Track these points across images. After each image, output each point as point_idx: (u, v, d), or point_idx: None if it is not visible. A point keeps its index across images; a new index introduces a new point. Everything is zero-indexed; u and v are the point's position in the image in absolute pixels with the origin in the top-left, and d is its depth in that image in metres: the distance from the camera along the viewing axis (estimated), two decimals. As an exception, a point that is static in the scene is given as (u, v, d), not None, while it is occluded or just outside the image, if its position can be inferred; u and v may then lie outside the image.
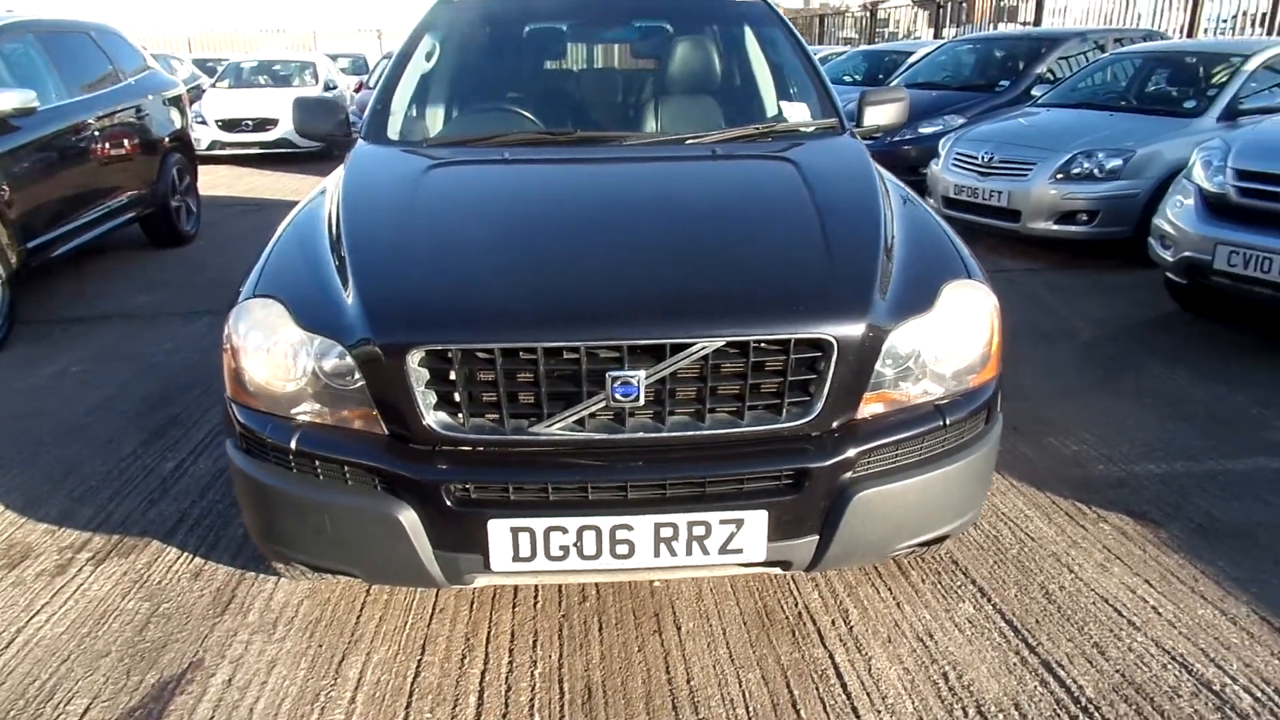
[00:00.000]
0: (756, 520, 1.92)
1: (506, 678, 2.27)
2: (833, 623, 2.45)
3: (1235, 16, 12.94)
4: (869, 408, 2.03)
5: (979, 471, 2.18)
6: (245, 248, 7.12)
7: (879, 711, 2.13)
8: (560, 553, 1.92)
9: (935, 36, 18.21)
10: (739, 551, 1.94)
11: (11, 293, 4.98)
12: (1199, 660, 2.28)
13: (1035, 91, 8.08)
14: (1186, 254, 4.53)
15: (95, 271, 6.45)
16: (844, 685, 2.22)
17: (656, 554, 1.93)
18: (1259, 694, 2.16)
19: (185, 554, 2.82)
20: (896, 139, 8.10)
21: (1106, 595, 2.55)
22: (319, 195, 2.72)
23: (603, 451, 1.94)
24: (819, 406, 1.95)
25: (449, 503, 1.91)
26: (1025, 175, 6.30)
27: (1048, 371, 4.24)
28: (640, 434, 1.93)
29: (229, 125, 12.29)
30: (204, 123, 11.96)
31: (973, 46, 10.02)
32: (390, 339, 1.90)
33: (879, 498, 1.98)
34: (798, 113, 3.28)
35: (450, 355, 1.88)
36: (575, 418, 1.91)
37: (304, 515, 2.02)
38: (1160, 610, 2.48)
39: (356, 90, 14.75)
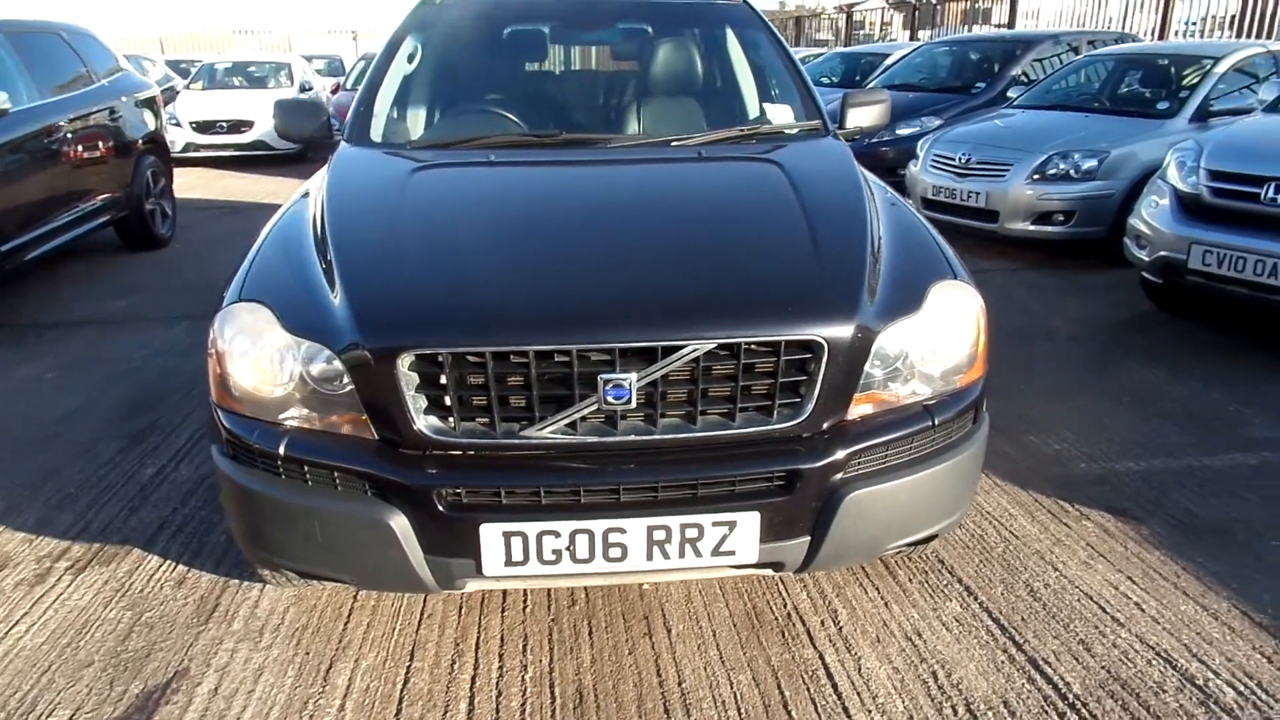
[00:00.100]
0: (749, 522, 1.92)
1: (497, 683, 2.26)
2: (822, 623, 2.46)
3: (1203, 19, 13.15)
4: (859, 408, 2.04)
5: (967, 471, 2.20)
6: (222, 251, 7.07)
7: (870, 711, 2.14)
8: (553, 556, 1.91)
9: (911, 38, 18.36)
10: (731, 553, 1.95)
11: (-16, 297, 4.90)
12: (1183, 655, 2.31)
13: (1011, 93, 8.16)
14: (1162, 254, 4.60)
15: (69, 275, 6.36)
16: (834, 685, 2.23)
17: (649, 557, 1.93)
18: (1242, 688, 2.19)
19: (167, 562, 2.78)
20: (874, 140, 8.15)
21: (1091, 592, 2.58)
22: (302, 198, 2.70)
23: (595, 454, 1.94)
24: (810, 408, 1.96)
25: (440, 507, 1.90)
26: (1002, 176, 6.36)
27: (1027, 370, 4.28)
28: (632, 437, 1.93)
29: (203, 127, 12.16)
30: (178, 124, 11.83)
31: (949, 49, 10.11)
32: (380, 343, 1.88)
33: (870, 498, 1.99)
34: (781, 114, 3.29)
35: (441, 359, 1.87)
36: (567, 421, 1.91)
37: (293, 521, 2.00)
38: (1144, 606, 2.51)
39: (333, 92, 14.64)
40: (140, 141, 7.05)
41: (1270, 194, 4.14)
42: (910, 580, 2.65)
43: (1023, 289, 5.80)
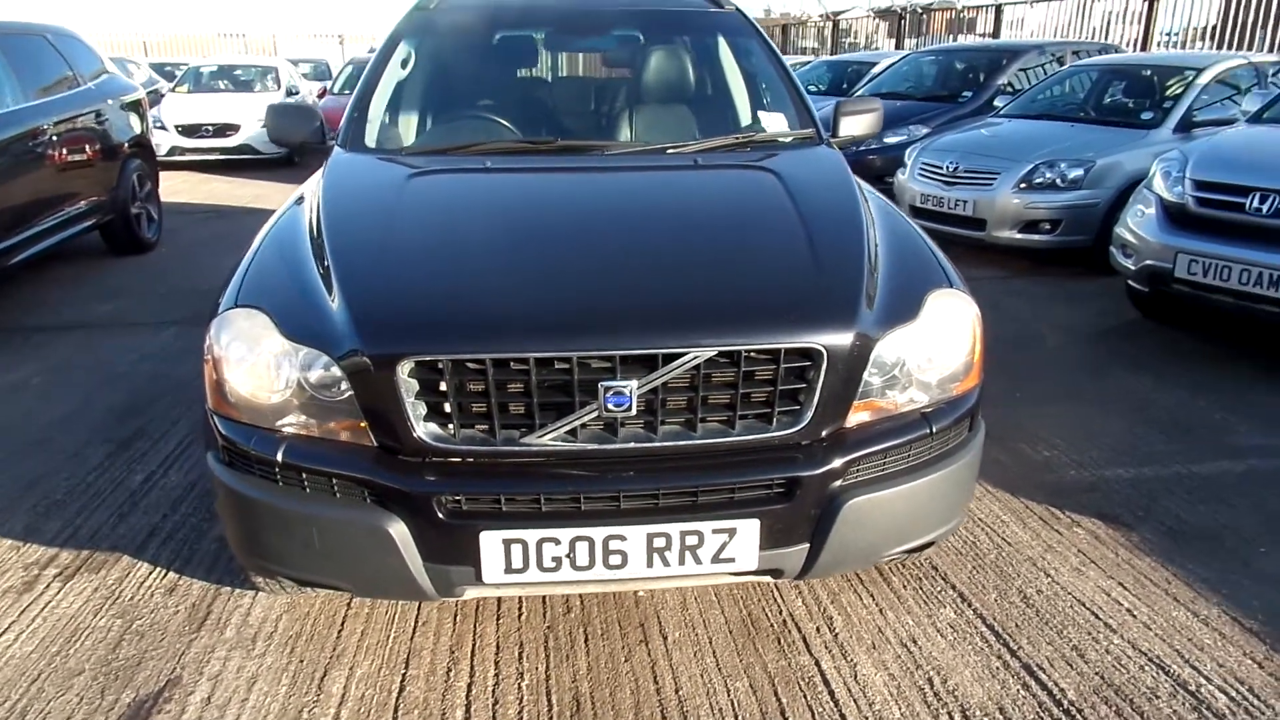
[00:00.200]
0: (749, 529, 1.93)
1: (493, 691, 2.25)
2: (817, 630, 2.47)
3: (1183, 30, 13.33)
4: (857, 416, 2.05)
5: (963, 478, 2.21)
6: (208, 255, 7.03)
7: (867, 718, 2.14)
8: (553, 564, 1.91)
9: (896, 47, 18.50)
10: (731, 560, 1.95)
11: (-32, 301, 4.85)
12: (1175, 661, 2.33)
13: (998, 102, 8.23)
14: (1148, 262, 4.64)
15: (55, 279, 6.30)
16: (831, 692, 2.23)
17: (649, 564, 1.93)
18: (1234, 693, 2.21)
19: (158, 569, 2.75)
20: (862, 148, 8.18)
21: (1083, 599, 2.60)
22: (297, 204, 2.69)
23: (595, 462, 1.94)
24: (809, 415, 1.97)
25: (440, 515, 1.89)
26: (989, 185, 6.41)
27: (1017, 378, 4.31)
28: (632, 444, 1.93)
29: (189, 130, 12.08)
30: (163, 128, 11.73)
31: (935, 58, 10.18)
32: (380, 349, 1.88)
33: (869, 505, 2.00)
34: (775, 122, 3.30)
35: (441, 366, 1.87)
36: (567, 428, 1.91)
37: (291, 529, 1.98)
38: (1135, 613, 2.53)
39: (320, 96, 14.58)
40: (126, 145, 7.00)
41: (1255, 204, 4.19)
42: (905, 587, 2.66)
43: (1010, 297, 5.84)
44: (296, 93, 13.91)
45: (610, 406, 1.87)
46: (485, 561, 1.91)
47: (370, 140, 3.08)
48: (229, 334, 2.05)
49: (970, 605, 2.57)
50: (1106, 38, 13.67)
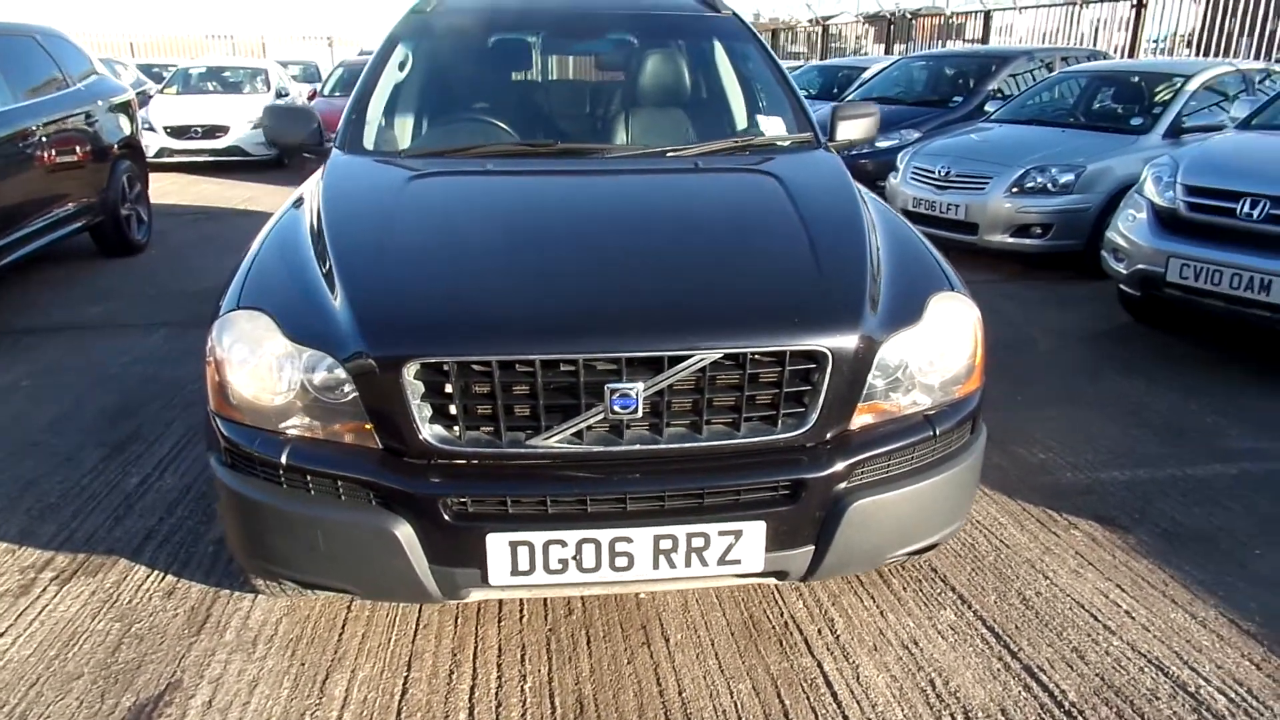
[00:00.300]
0: (755, 531, 1.93)
1: (496, 693, 2.24)
2: (819, 631, 2.47)
3: (1167, 37, 13.46)
4: (860, 419, 2.06)
5: (966, 481, 2.23)
6: (198, 257, 6.99)
7: (870, 719, 2.15)
8: (559, 566, 1.91)
9: (886, 52, 18.58)
10: (737, 562, 1.95)
11: (-43, 303, 4.81)
12: (1174, 663, 2.34)
13: (989, 107, 8.28)
14: (1140, 267, 4.68)
15: (44, 281, 6.25)
16: (834, 694, 2.24)
17: (656, 566, 1.93)
18: (1232, 695, 2.23)
19: (155, 572, 2.74)
20: (854, 152, 8.22)
21: (1082, 600, 2.61)
22: (296, 206, 2.68)
23: (601, 464, 1.94)
24: (814, 418, 1.97)
25: (446, 517, 1.89)
26: (981, 189, 6.45)
27: (1011, 380, 4.33)
28: (638, 446, 1.93)
29: (177, 132, 12.02)
30: (151, 129, 11.67)
31: (926, 63, 10.25)
32: (386, 351, 1.87)
33: (873, 507, 2.01)
34: (774, 126, 3.31)
35: (446, 368, 1.86)
36: (573, 430, 1.90)
37: (295, 531, 1.97)
38: (1134, 615, 2.55)
39: (310, 98, 14.53)
40: (116, 146, 6.95)
41: (1245, 209, 4.23)
42: (904, 589, 2.67)
43: (1003, 300, 5.87)
44: (286, 95, 13.86)
45: (616, 409, 1.87)
46: (491, 563, 1.90)
47: (369, 142, 3.08)
48: (231, 335, 2.04)
49: (970, 607, 2.58)
50: (1095, 44, 13.78)
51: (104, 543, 2.90)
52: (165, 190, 10.38)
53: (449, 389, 1.88)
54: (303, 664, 2.34)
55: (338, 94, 12.46)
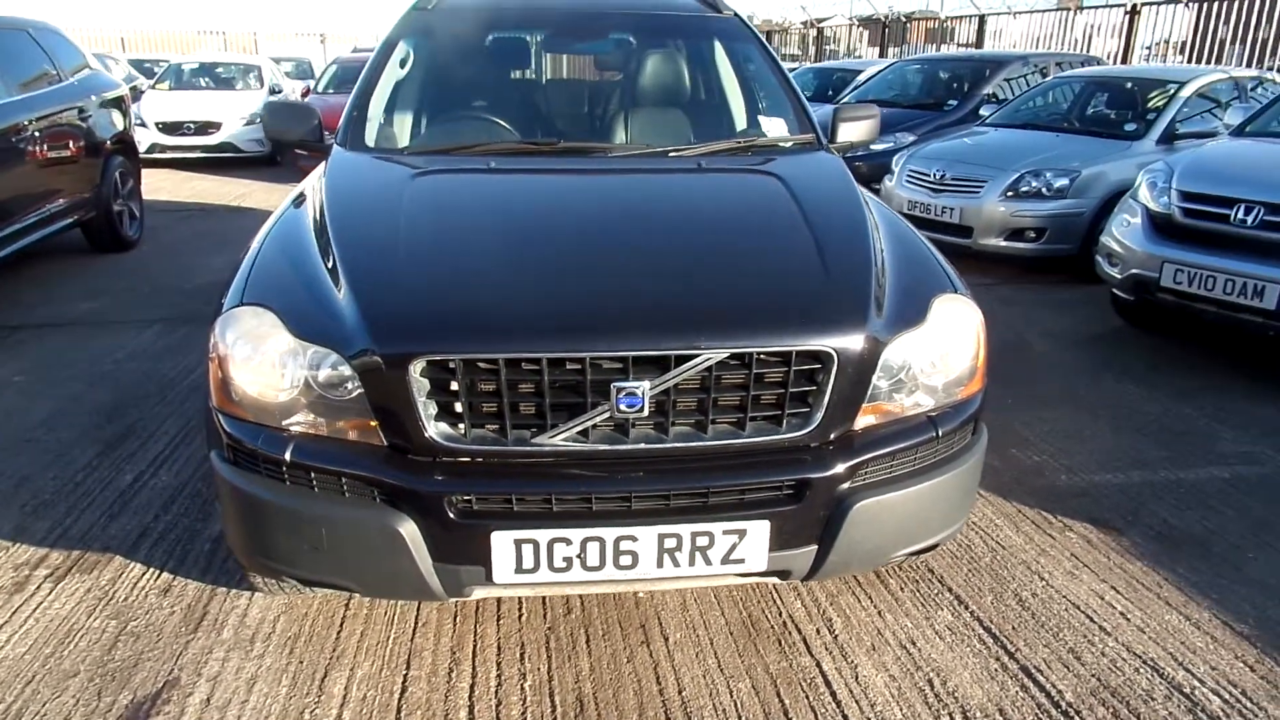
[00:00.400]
0: (759, 530, 1.94)
1: (496, 691, 2.24)
2: (817, 631, 2.48)
3: (1157, 44, 13.56)
4: (864, 419, 2.07)
5: (967, 482, 2.24)
6: (190, 254, 6.95)
7: (869, 719, 2.16)
8: (564, 564, 1.91)
9: (880, 55, 18.64)
10: (741, 561, 1.96)
11: (-51, 298, 4.77)
12: (1169, 664, 2.36)
13: (984, 111, 8.31)
14: (1134, 271, 4.71)
15: (36, 277, 6.21)
16: (833, 693, 2.24)
17: (660, 564, 1.93)
18: (1227, 696, 2.25)
19: (151, 569, 2.72)
20: (849, 154, 8.24)
21: (1077, 602, 2.63)
22: (298, 202, 2.67)
23: (606, 462, 1.94)
24: (818, 418, 1.98)
25: (451, 514, 1.89)
26: (976, 193, 6.47)
27: (1006, 383, 4.35)
28: (643, 445, 1.94)
29: (169, 128, 11.95)
30: (143, 125, 11.59)
31: (921, 67, 10.29)
32: (393, 349, 1.87)
33: (876, 507, 2.01)
34: (775, 127, 3.32)
35: (453, 365, 1.86)
36: (579, 428, 1.91)
37: (298, 528, 1.97)
38: (1129, 616, 2.56)
39: (304, 95, 14.47)
40: (109, 142, 6.92)
41: (1240, 215, 4.26)
42: (902, 589, 2.68)
43: (997, 304, 5.89)
44: (280, 91, 13.80)
45: (622, 407, 1.87)
46: (496, 561, 1.90)
47: (370, 139, 3.07)
48: (235, 332, 2.03)
49: (967, 608, 2.59)
50: (1088, 50, 13.86)
51: (99, 540, 2.88)
52: (157, 186, 10.33)
53: (455, 386, 1.88)
54: (301, 662, 2.33)
55: (332, 91, 12.41)
